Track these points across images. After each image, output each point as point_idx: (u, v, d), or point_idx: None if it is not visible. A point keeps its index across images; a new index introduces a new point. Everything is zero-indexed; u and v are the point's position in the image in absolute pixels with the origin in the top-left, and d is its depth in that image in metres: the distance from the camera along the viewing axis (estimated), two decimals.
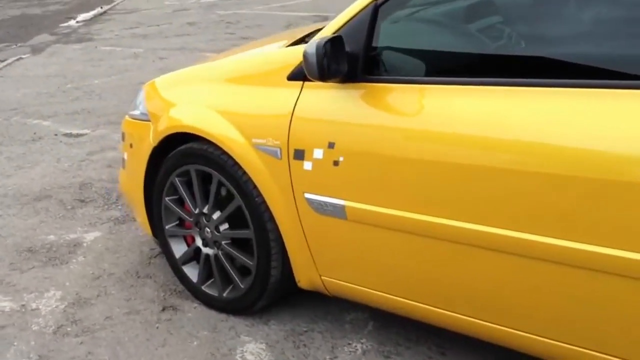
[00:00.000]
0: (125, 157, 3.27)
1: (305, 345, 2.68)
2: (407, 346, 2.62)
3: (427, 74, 2.24)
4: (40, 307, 3.11)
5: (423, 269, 2.27)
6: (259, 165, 2.54)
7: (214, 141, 2.66)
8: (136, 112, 3.18)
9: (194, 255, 3.00)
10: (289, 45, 2.84)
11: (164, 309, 3.00)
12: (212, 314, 2.92)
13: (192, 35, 10.66)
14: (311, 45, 2.24)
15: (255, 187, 2.61)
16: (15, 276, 3.44)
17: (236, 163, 2.63)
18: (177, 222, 3.02)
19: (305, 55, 2.25)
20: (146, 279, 3.28)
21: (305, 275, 2.64)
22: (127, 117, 3.28)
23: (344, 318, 2.84)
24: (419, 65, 2.27)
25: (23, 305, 3.14)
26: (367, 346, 2.63)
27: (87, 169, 4.89)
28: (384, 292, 2.44)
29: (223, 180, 2.69)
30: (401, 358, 2.56)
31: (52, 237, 3.84)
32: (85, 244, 3.71)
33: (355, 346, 2.64)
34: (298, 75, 2.47)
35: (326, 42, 2.22)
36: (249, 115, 2.60)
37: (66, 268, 3.47)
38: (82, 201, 4.33)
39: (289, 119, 2.46)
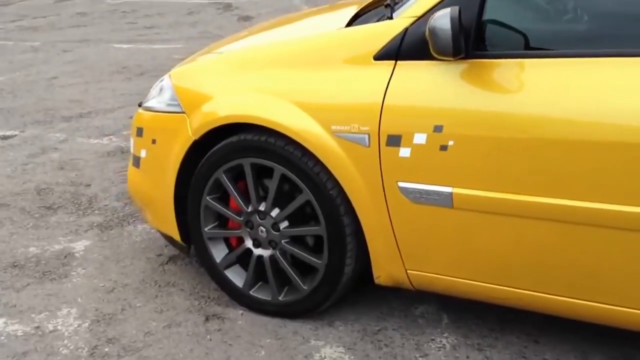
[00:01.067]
0: (143, 154, 2.96)
1: (386, 345, 2.55)
2: (494, 337, 2.55)
3: (539, 48, 2.18)
4: (59, 327, 2.78)
5: (531, 251, 2.20)
6: (339, 154, 2.37)
7: (283, 131, 2.46)
8: (156, 104, 2.90)
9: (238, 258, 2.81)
10: (348, 24, 2.69)
11: (207, 319, 2.76)
12: (266, 320, 2.73)
13: (89, 27, 10.06)
14: (441, 20, 2.08)
15: (328, 179, 2.45)
16: (10, 296, 3.05)
17: (304, 154, 2.46)
18: (216, 224, 2.80)
19: (433, 30, 2.09)
20: (169, 287, 3.02)
21: (386, 270, 2.50)
22: (141, 110, 3.00)
23: (413, 313, 2.73)
24: (532, 38, 2.19)
25: (37, 328, 2.79)
26: (452, 340, 2.54)
27: (36, 173, 4.47)
28: (482, 281, 2.34)
29: (288, 173, 2.51)
30: (495, 350, 2.48)
31: (33, 249, 3.45)
32: (77, 255, 3.36)
33: (441, 341, 2.54)
34: (388, 54, 2.31)
35: (459, 15, 2.08)
36: (327, 102, 2.42)
37: (68, 282, 3.13)
38: (49, 208, 3.94)
39: (380, 102, 2.30)
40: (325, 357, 2.51)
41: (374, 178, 2.37)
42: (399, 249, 2.44)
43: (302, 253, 2.63)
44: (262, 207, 2.64)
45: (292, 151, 2.50)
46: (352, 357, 2.50)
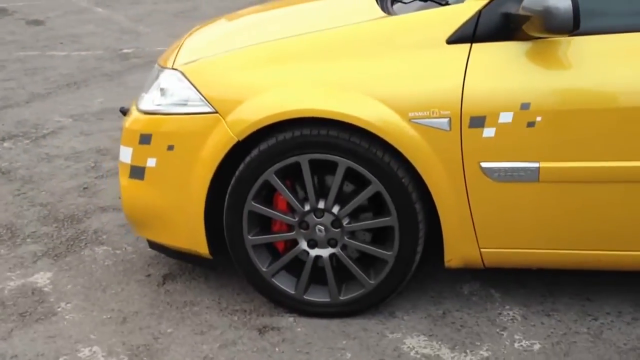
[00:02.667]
0: (152, 163, 2.71)
1: (462, 325, 2.62)
2: (551, 301, 2.74)
3: (628, 21, 2.40)
4: None
5: (617, 214, 2.42)
6: (417, 141, 2.42)
7: (358, 124, 2.43)
8: (164, 107, 2.68)
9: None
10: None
11: (260, 332, 2.63)
12: (324, 323, 2.67)
13: None
14: None
15: (399, 167, 2.49)
16: (1, 345, 2.66)
17: (371, 144, 2.46)
18: (257, 230, 2.68)
19: (547, 9, 2.20)
20: (191, 306, 2.82)
21: (459, 253, 2.58)
22: (142, 115, 2.75)
23: (462, 292, 2.83)
24: (619, 12, 2.41)
25: None
26: (518, 311, 2.69)
27: None
28: (562, 249, 2.53)
29: (355, 166, 2.49)
30: (561, 312, 2.67)
31: None
32: (47, 289, 2.97)
33: (508, 314, 2.68)
34: (463, 37, 2.40)
35: None
36: (402, 89, 2.44)
37: (62, 320, 2.76)
38: None
39: (461, 85, 2.38)
40: (414, 348, 2.53)
41: (454, 161, 2.45)
42: (474, 229, 2.54)
43: (370, 247, 2.63)
44: (320, 205, 2.60)
45: (358, 143, 2.50)
46: (439, 342, 2.55)
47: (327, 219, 2.61)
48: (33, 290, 3.01)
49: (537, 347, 2.51)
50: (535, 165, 2.41)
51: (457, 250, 2.60)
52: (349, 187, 2.63)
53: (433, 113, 2.42)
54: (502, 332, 2.60)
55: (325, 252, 2.65)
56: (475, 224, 2.53)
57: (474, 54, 2.42)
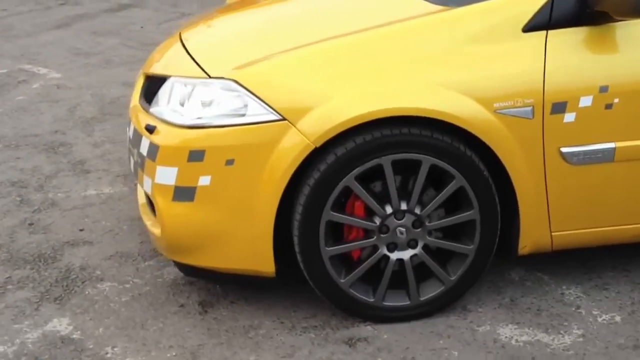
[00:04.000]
0: (205, 182, 2.53)
1: (538, 310, 2.72)
2: (597, 276, 2.92)
3: None
4: None
5: None
6: (502, 131, 2.49)
7: (444, 119, 2.45)
8: (216, 119, 2.52)
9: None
10: None
11: (351, 345, 2.56)
12: (406, 327, 2.65)
13: None
14: None
15: (479, 161, 2.54)
16: None
17: (453, 139, 2.50)
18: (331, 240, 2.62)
19: None
20: (260, 329, 2.68)
21: (532, 239, 2.68)
22: (190, 129, 2.54)
23: (514, 279, 2.93)
24: None
25: None
26: (576, 290, 2.83)
27: None
28: (627, 224, 2.71)
29: (439, 163, 2.50)
30: (613, 286, 2.85)
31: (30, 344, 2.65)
32: (76, 336, 2.65)
33: (570, 292, 2.82)
34: (538, 25, 2.52)
35: None
36: (484, 81, 2.50)
37: None
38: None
39: (542, 73, 2.50)
40: (512, 337, 2.59)
41: (535, 148, 2.55)
42: (549, 214, 2.66)
43: (452, 243, 2.66)
44: (404, 207, 2.58)
45: (441, 138, 2.52)
46: (530, 328, 2.64)
47: (409, 219, 2.60)
48: (62, 339, 2.69)
49: (618, 318, 2.69)
50: (612, 145, 2.58)
51: (531, 236, 2.70)
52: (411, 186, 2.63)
53: (517, 102, 2.51)
54: (580, 310, 2.74)
55: (406, 255, 2.64)
56: (550, 208, 2.65)
57: (551, 41, 2.54)
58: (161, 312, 2.84)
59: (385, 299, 2.68)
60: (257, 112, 2.52)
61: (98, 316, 2.84)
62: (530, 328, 2.65)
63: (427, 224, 2.62)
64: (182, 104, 2.69)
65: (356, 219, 2.61)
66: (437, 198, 2.59)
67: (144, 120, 2.81)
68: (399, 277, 2.69)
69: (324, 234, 2.57)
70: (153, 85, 2.95)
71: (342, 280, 2.63)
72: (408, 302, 2.69)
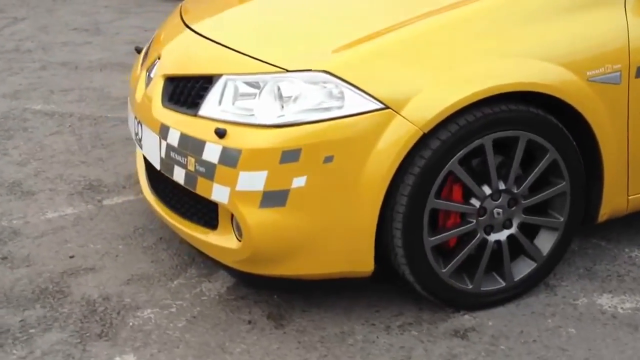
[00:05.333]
0: (299, 183, 2.33)
1: (619, 276, 2.80)
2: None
3: None
4: None
5: None
6: (594, 99, 2.53)
7: (546, 91, 2.45)
8: (307, 114, 2.33)
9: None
10: None
11: (463, 338, 2.48)
12: (502, 311, 2.62)
13: None
14: None
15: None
16: None
17: (547, 112, 2.50)
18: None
19: None
20: (355, 334, 2.52)
21: (612, 204, 2.73)
22: (278, 128, 2.33)
23: (574, 249, 2.94)
24: None
25: None
26: (626, 267, 2.91)
27: None
28: None
29: (535, 137, 2.49)
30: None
31: None
32: None
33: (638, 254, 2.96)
34: None
35: None
36: (575, 50, 2.51)
37: None
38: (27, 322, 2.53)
39: (626, 38, 2.56)
40: (615, 306, 2.64)
41: (620, 113, 2.61)
42: (628, 178, 2.72)
43: (544, 218, 2.65)
44: (502, 186, 2.53)
45: (536, 112, 2.50)
46: (627, 295, 2.70)
47: (504, 199, 2.56)
48: None
49: None
50: None
51: (611, 202, 2.74)
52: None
53: (607, 68, 2.55)
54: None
55: (502, 235, 2.60)
56: (630, 172, 2.71)
57: (629, 4, 2.59)
58: (234, 333, 2.59)
59: (482, 285, 2.65)
60: (355, 102, 2.36)
61: (165, 347, 2.52)
62: (626, 294, 2.72)
63: (522, 202, 2.62)
64: (245, 103, 2.47)
65: (459, 205, 2.52)
66: (533, 174, 2.56)
67: (196, 124, 2.54)
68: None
69: (427, 224, 2.48)
70: (183, 87, 2.68)
71: (442, 271, 2.56)
72: (503, 284, 2.66)
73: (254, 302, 2.76)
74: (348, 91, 2.36)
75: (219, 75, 2.56)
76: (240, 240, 2.50)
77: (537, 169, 2.57)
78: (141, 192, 3.15)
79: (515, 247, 2.66)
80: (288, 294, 2.78)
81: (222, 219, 2.55)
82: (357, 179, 2.37)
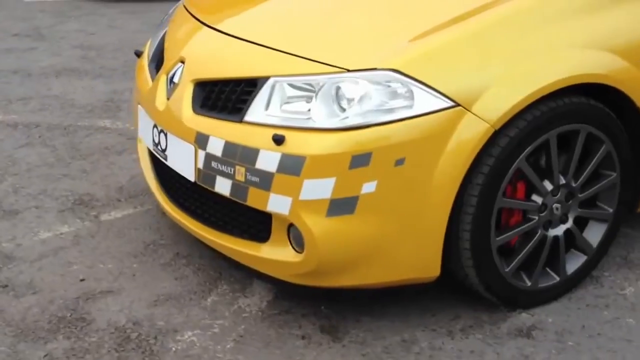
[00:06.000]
0: (369, 189, 2.22)
1: None
2: None
3: None
4: None
5: None
6: None
7: (610, 83, 2.42)
8: (367, 114, 2.23)
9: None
10: None
11: (529, 336, 2.44)
12: (557, 306, 2.60)
13: None
14: None
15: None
16: None
17: (605, 104, 2.48)
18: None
19: None
20: (420, 342, 2.43)
21: None
22: (345, 131, 2.21)
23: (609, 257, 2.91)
24: None
25: None
26: None
27: None
28: None
29: (594, 130, 2.47)
30: None
31: None
32: None
33: None
34: None
35: None
36: (631, 38, 2.49)
37: None
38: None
39: None
40: None
41: None
42: None
43: (594, 210, 2.64)
44: (562, 181, 2.50)
45: (595, 105, 2.48)
46: None
47: (562, 194, 2.53)
48: None
49: None
50: None
51: None
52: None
53: None
54: None
55: (560, 230, 2.57)
56: None
57: None
58: (290, 350, 2.45)
59: (539, 282, 2.61)
60: (425, 101, 2.26)
61: None
62: None
63: (578, 195, 2.58)
64: (296, 106, 2.35)
65: (526, 202, 2.47)
66: (590, 166, 2.54)
67: (243, 131, 2.39)
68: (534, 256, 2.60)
69: (494, 224, 2.42)
70: (219, 91, 2.52)
71: (506, 270, 2.50)
72: (557, 279, 2.63)
73: (301, 316, 2.64)
74: (417, 90, 2.26)
75: (265, 78, 2.42)
76: (299, 252, 2.37)
77: (593, 161, 2.55)
78: (160, 205, 2.96)
79: (566, 242, 2.64)
80: (336, 304, 2.67)
81: (277, 231, 2.41)
82: (427, 182, 2.28)
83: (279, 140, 2.29)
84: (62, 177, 3.77)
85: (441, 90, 2.27)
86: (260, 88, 2.42)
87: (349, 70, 2.32)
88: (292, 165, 2.27)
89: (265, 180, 2.32)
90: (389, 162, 2.25)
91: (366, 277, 2.38)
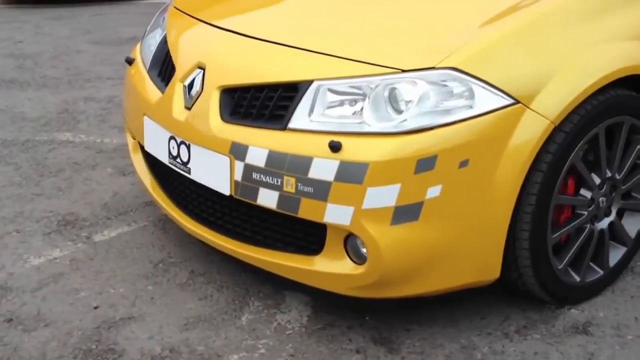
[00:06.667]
0: (434, 193, 2.15)
1: None
2: None
3: None
4: None
5: None
6: None
7: None
8: (425, 116, 2.16)
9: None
10: None
11: (587, 333, 2.43)
12: (603, 300, 2.62)
13: None
14: None
15: None
16: None
17: None
18: None
19: None
20: (482, 346, 2.38)
21: None
22: (412, 134, 2.13)
23: None
24: None
25: None
26: None
27: None
28: None
29: (637, 122, 2.50)
30: None
31: None
32: None
33: None
34: None
35: None
36: None
37: None
38: None
39: None
40: None
41: None
42: None
43: (632, 201, 2.66)
44: (608, 174, 2.51)
45: (638, 96, 2.50)
46: None
47: (607, 187, 2.54)
48: None
49: None
50: None
51: None
52: None
53: None
54: None
55: (604, 224, 2.58)
56: None
57: None
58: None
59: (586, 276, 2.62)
60: (486, 99, 2.21)
61: None
62: None
63: (621, 187, 2.59)
64: (342, 110, 2.26)
65: (579, 198, 2.47)
66: (632, 158, 2.56)
67: (289, 139, 2.27)
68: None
69: (551, 221, 2.40)
70: (251, 98, 2.40)
71: (559, 268, 2.48)
72: (601, 273, 2.64)
73: (347, 328, 2.54)
74: (478, 88, 2.21)
75: (308, 82, 2.32)
76: (358, 264, 2.29)
77: (634, 152, 2.57)
78: (176, 222, 2.79)
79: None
80: (378, 314, 2.59)
81: (332, 243, 2.31)
82: (489, 182, 2.23)
83: (335, 147, 2.19)
84: (35, 197, 3.53)
85: (501, 88, 2.23)
86: (303, 93, 2.31)
87: (404, 71, 2.25)
88: (353, 173, 2.17)
89: (320, 190, 2.22)
90: (453, 164, 2.19)
91: (428, 284, 2.31)
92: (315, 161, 2.22)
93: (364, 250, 2.27)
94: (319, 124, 2.29)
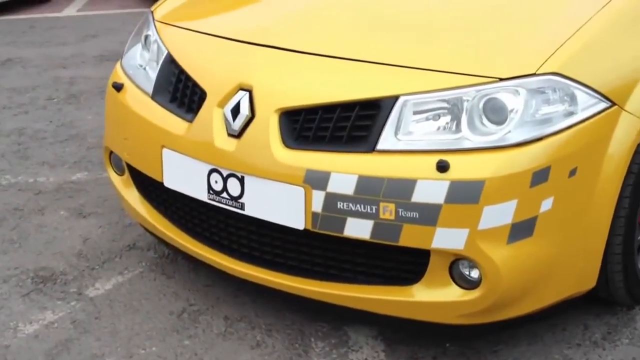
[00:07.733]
0: (547, 206, 2.07)
1: None
2: None
3: None
4: None
5: None
6: None
7: None
8: (533, 125, 2.09)
9: None
10: None
11: None
12: None
13: None
14: None
15: None
16: None
17: None
18: None
19: None
20: (581, 357, 2.32)
21: None
22: (526, 146, 2.05)
23: None
24: None
25: None
26: None
27: None
28: None
29: None
30: None
31: None
32: None
33: None
34: None
35: None
36: None
37: None
38: None
39: None
40: None
41: None
42: None
43: None
44: None
45: None
46: None
47: None
48: None
49: None
50: None
51: None
52: None
53: None
54: None
55: None
56: None
57: None
58: None
59: None
60: (588, 104, 2.16)
61: None
62: None
63: None
64: (434, 124, 2.15)
65: None
66: None
67: (381, 163, 2.11)
68: None
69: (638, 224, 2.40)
70: (320, 120, 2.22)
71: None
72: None
73: (432, 358, 2.43)
74: (580, 93, 2.15)
75: (393, 98, 2.16)
76: (467, 289, 2.15)
77: None
78: (219, 265, 2.51)
79: None
80: (458, 339, 2.47)
81: (435, 270, 2.15)
82: (593, 188, 2.19)
83: (444, 166, 2.05)
84: None
85: (600, 91, 2.19)
86: (389, 110, 2.16)
87: (501, 79, 2.15)
88: (467, 193, 2.04)
89: (428, 215, 2.08)
90: (564, 174, 2.12)
91: (537, 302, 2.22)
92: (419, 184, 2.07)
93: (474, 274, 2.16)
94: (409, 143, 2.14)
